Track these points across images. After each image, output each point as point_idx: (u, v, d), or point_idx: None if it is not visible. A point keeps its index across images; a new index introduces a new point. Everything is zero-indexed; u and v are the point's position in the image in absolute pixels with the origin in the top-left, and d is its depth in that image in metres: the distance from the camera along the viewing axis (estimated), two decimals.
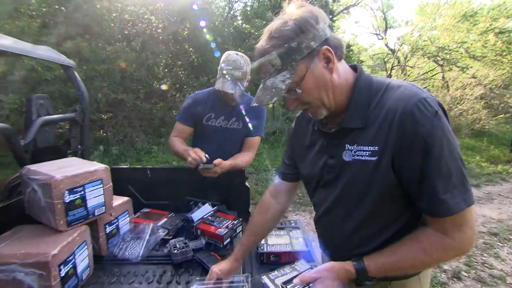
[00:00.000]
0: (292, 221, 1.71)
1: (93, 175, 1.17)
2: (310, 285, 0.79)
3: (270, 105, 8.71)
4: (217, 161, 1.52)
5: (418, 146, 0.67)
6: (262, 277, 1.10)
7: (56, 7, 4.67)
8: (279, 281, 1.05)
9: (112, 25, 4.47)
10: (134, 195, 1.77)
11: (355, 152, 0.77)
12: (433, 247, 0.71)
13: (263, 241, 1.38)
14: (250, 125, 1.79)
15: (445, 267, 2.71)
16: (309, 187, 0.99)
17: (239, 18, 7.59)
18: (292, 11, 0.73)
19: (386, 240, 0.79)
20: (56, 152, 1.65)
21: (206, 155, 1.55)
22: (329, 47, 0.72)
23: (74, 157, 1.33)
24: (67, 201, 1.06)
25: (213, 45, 5.84)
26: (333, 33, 0.77)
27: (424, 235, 0.73)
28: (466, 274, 2.64)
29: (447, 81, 9.21)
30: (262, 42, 0.75)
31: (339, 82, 0.77)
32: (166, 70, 6.00)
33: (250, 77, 1.74)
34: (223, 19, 6.85)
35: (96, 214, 1.20)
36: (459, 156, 0.69)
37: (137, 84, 5.10)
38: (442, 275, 2.62)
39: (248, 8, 7.53)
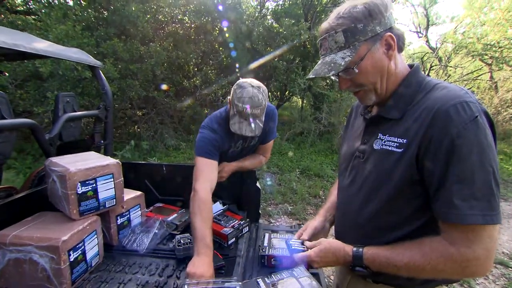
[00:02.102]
0: (302, 225, 1.67)
1: (104, 169, 1.25)
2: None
3: (299, 105, 8.60)
4: (219, 167, 1.49)
5: (445, 146, 0.66)
6: (258, 280, 1.09)
7: (101, 10, 5.05)
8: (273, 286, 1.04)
9: (146, 25, 4.71)
10: (150, 189, 1.87)
11: (384, 142, 0.79)
12: (434, 253, 0.68)
13: (265, 243, 1.37)
14: (263, 133, 1.59)
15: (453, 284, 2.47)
16: (339, 170, 1.03)
17: (269, 17, 7.57)
18: None
19: (398, 238, 0.78)
20: (81, 146, 1.78)
21: None
22: (392, 35, 0.75)
23: (93, 152, 1.43)
24: (79, 192, 1.15)
25: (231, 44, 5.86)
26: (396, 24, 0.79)
27: (429, 240, 0.71)
28: None
29: (496, 82, 8.37)
30: (329, 20, 0.78)
31: (394, 71, 0.79)
32: (196, 69, 6.19)
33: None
34: (254, 18, 6.88)
35: (107, 206, 1.28)
36: (492, 170, 0.64)
37: (168, 82, 5.34)
38: None
39: (279, 7, 7.49)
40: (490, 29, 7.44)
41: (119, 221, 1.40)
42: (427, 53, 8.94)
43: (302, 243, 1.05)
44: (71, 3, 4.71)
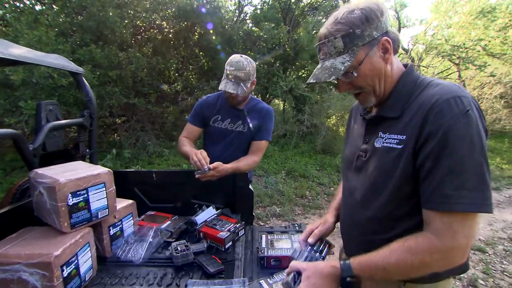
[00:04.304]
0: (296, 224, 1.69)
1: (96, 178, 1.20)
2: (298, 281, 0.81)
3: (281, 108, 8.70)
4: (214, 164, 1.53)
5: (438, 138, 0.68)
6: (260, 281, 1.09)
7: (73, 16, 4.86)
8: (276, 286, 1.05)
9: (124, 31, 4.60)
10: (140, 197, 1.82)
11: (385, 139, 0.81)
12: (420, 247, 0.70)
13: (264, 245, 1.37)
14: (254, 127, 1.80)
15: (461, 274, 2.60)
16: (343, 171, 1.05)
17: (248, 21, 7.64)
18: (359, 1, 0.79)
19: (398, 235, 0.77)
20: (65, 156, 1.71)
21: (207, 163, 1.55)
22: (388, 39, 0.78)
23: (81, 161, 1.37)
24: (70, 204, 1.10)
25: (219, 47, 5.89)
26: (391, 27, 0.82)
27: (413, 237, 0.72)
28: (484, 283, 2.52)
29: (463, 80, 8.91)
30: (326, 26, 0.80)
31: (391, 73, 0.83)
32: (177, 74, 6.11)
33: (255, 79, 1.75)
34: (233, 23, 6.91)
35: (99, 216, 1.23)
36: (483, 160, 0.68)
37: (148, 88, 5.22)
38: (457, 282, 2.52)
39: (258, 12, 7.57)
40: (456, 31, 7.94)
41: (111, 232, 1.35)
42: (401, 54, 9.37)
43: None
44: (38, 8, 4.50)
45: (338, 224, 1.09)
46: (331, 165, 5.67)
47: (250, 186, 1.72)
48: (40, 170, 1.19)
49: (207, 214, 1.67)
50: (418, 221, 0.76)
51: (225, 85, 1.62)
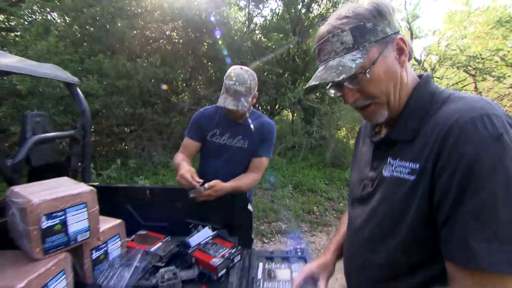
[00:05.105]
0: (299, 249, 1.54)
1: (76, 198, 1.09)
2: None
3: (290, 119, 8.57)
4: (212, 183, 1.41)
5: (460, 171, 0.52)
6: None
7: (87, 26, 4.95)
8: None
9: (132, 41, 4.63)
10: (133, 215, 1.71)
11: (395, 167, 0.66)
12: None
13: (260, 275, 1.23)
14: (255, 143, 1.68)
15: None
16: (348, 200, 0.90)
17: (257, 32, 7.65)
18: (363, 1, 0.67)
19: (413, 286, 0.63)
20: (56, 170, 1.62)
21: (198, 180, 1.43)
22: (403, 37, 0.66)
23: (65, 177, 1.27)
24: (44, 227, 0.99)
25: (228, 60, 5.87)
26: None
27: None
28: None
29: (480, 92, 8.59)
30: (330, 22, 0.67)
31: (406, 81, 0.68)
32: (184, 84, 6.11)
33: (256, 93, 1.64)
34: (242, 33, 6.92)
35: (78, 240, 1.12)
36: None
37: (155, 98, 5.22)
38: None
39: (267, 22, 7.58)
40: (472, 42, 7.71)
41: (94, 256, 1.23)
42: (413, 65, 9.17)
43: None
44: (50, 18, 4.59)
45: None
46: (340, 179, 5.46)
47: (250, 206, 1.59)
48: (16, 188, 1.09)
49: (202, 235, 1.54)
50: (435, 274, 0.60)
51: (224, 101, 1.48)
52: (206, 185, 1.39)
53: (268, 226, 3.69)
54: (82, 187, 1.16)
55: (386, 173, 0.69)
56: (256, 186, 4.85)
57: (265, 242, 3.31)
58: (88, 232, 1.15)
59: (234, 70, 1.53)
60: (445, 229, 0.55)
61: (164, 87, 5.09)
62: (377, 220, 0.69)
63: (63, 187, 1.14)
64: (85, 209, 1.13)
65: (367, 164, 0.78)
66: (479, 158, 0.50)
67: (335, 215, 4.12)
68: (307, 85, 0.70)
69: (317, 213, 4.15)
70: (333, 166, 6.21)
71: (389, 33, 0.64)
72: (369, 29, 0.63)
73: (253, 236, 1.62)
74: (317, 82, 0.66)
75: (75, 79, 1.69)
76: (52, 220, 1.02)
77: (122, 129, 5.84)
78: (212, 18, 5.49)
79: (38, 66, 1.54)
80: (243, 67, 1.57)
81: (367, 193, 0.74)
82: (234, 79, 1.48)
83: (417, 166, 0.60)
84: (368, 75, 0.63)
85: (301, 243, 3.36)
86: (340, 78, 0.61)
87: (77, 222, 1.11)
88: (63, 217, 1.05)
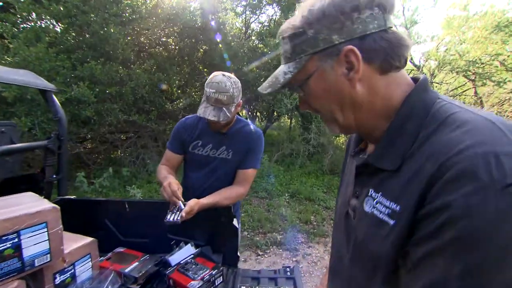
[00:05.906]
0: (288, 269, 1.42)
1: (33, 218, 0.98)
2: None
3: (287, 126, 8.48)
4: (187, 208, 1.28)
5: (443, 234, 0.39)
6: None
7: (82, 33, 4.89)
8: None
9: (126, 47, 4.56)
10: (112, 231, 1.60)
11: (376, 203, 0.54)
12: None
13: None
14: (240, 154, 1.56)
15: None
16: (334, 224, 0.78)
17: (253, 38, 7.60)
18: None
19: None
20: (28, 182, 1.51)
21: (181, 198, 1.32)
22: (354, 48, 0.49)
23: (30, 193, 1.16)
24: None
25: (228, 63, 5.80)
26: (394, 30, 0.53)
27: None
28: None
29: (480, 97, 8.50)
30: (288, 20, 0.58)
31: (368, 100, 0.54)
32: (179, 91, 6.03)
33: (240, 101, 1.52)
34: (239, 39, 6.87)
35: (36, 264, 1.00)
36: None
37: (149, 105, 5.13)
38: None
39: (264, 28, 7.54)
40: (471, 47, 7.64)
41: (58, 280, 1.11)
42: (412, 70, 9.10)
43: None
44: (44, 24, 4.54)
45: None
46: (338, 187, 5.33)
47: (235, 222, 1.47)
48: None
49: (184, 253, 1.43)
50: None
51: (204, 111, 1.37)
52: (183, 212, 1.26)
53: (263, 237, 3.55)
54: (43, 205, 1.04)
55: (367, 207, 0.57)
56: (252, 195, 4.72)
57: (259, 255, 3.17)
58: (48, 255, 1.03)
59: (215, 76, 1.40)
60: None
61: (161, 90, 5.01)
62: (360, 262, 0.58)
63: (20, 205, 1.02)
64: (45, 229, 1.02)
65: (351, 187, 0.66)
66: (475, 212, 0.36)
67: (332, 225, 3.98)
68: (259, 87, 0.64)
69: (314, 223, 4.01)
70: (331, 173, 6.08)
71: (335, 42, 0.51)
72: (309, 37, 0.52)
73: (239, 253, 1.50)
74: (260, 90, 0.63)
75: (50, 85, 1.60)
76: (2, 244, 0.90)
77: (117, 136, 5.74)
78: (213, 23, 5.44)
79: (8, 73, 1.45)
80: (226, 73, 1.45)
81: (350, 224, 0.63)
82: (214, 87, 1.36)
83: (398, 207, 0.48)
84: (300, 92, 0.58)
85: (296, 255, 3.23)
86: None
87: (34, 244, 0.99)
88: (16, 239, 0.93)
